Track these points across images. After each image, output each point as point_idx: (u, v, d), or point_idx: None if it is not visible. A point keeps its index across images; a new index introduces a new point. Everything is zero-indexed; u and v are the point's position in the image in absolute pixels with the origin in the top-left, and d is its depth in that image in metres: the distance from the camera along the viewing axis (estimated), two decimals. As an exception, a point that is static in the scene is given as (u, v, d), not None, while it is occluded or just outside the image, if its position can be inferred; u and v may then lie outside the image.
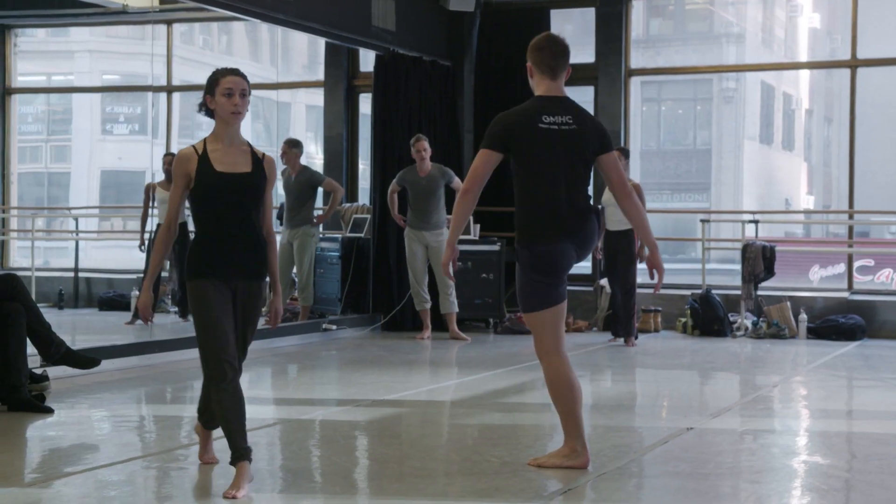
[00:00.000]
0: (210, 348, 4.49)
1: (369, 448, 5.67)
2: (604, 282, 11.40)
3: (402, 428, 6.23)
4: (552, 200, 4.85)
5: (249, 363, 8.43)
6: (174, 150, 13.52)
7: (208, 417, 4.78)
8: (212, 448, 4.98)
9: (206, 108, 4.67)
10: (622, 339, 10.17)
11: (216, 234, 4.58)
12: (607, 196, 9.93)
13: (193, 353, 8.84)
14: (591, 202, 5.04)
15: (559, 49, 5.09)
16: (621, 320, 10.15)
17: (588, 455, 4.93)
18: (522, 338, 10.32)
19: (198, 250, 4.60)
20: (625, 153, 10.14)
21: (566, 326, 11.68)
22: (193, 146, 4.65)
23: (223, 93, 4.59)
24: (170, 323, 11.12)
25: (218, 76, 4.63)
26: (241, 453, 4.46)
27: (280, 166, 11.04)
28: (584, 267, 12.95)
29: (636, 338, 10.23)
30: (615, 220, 9.89)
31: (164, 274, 12.25)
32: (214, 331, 4.48)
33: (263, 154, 4.73)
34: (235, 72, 4.66)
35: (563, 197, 4.86)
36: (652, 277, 5.11)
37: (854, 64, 11.97)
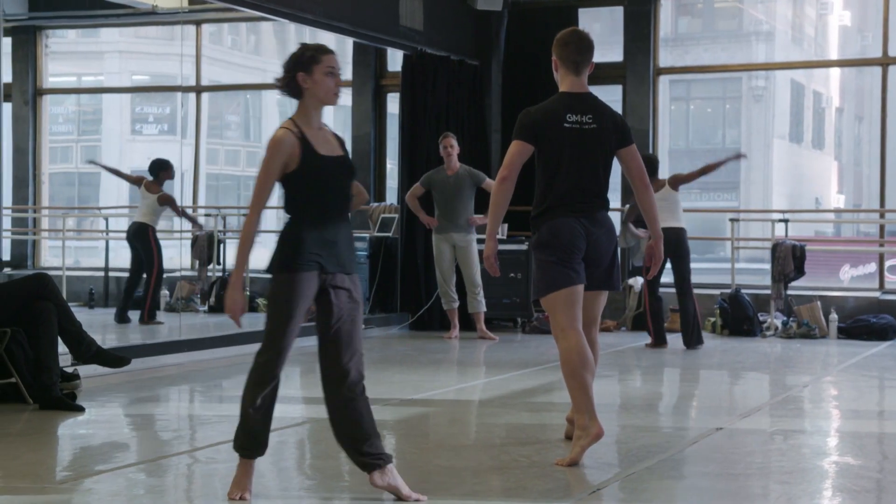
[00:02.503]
0: (281, 348, 4.24)
1: (397, 447, 5.67)
2: (632, 281, 11.35)
3: (430, 427, 6.23)
4: (564, 188, 5.08)
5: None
6: (203, 149, 13.59)
7: (253, 443, 4.34)
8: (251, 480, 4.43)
9: (295, 87, 4.31)
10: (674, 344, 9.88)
11: (319, 222, 4.26)
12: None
13: (222, 353, 8.95)
14: (607, 196, 5.25)
15: (584, 45, 5.23)
16: (689, 325, 9.73)
17: (599, 424, 4.97)
18: (551, 337, 10.21)
19: (298, 240, 4.24)
20: (652, 167, 9.81)
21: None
22: (287, 129, 4.28)
23: (326, 72, 4.27)
24: (199, 322, 11.17)
25: (317, 53, 4.28)
26: (255, 451, 4.35)
27: None
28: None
29: (663, 342, 10.01)
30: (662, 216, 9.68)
31: (193, 273, 12.33)
32: (294, 332, 4.25)
33: (340, 136, 4.49)
34: (332, 50, 4.35)
35: (576, 186, 5.09)
36: (649, 263, 5.41)
37: (885, 62, 11.86)
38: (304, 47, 4.33)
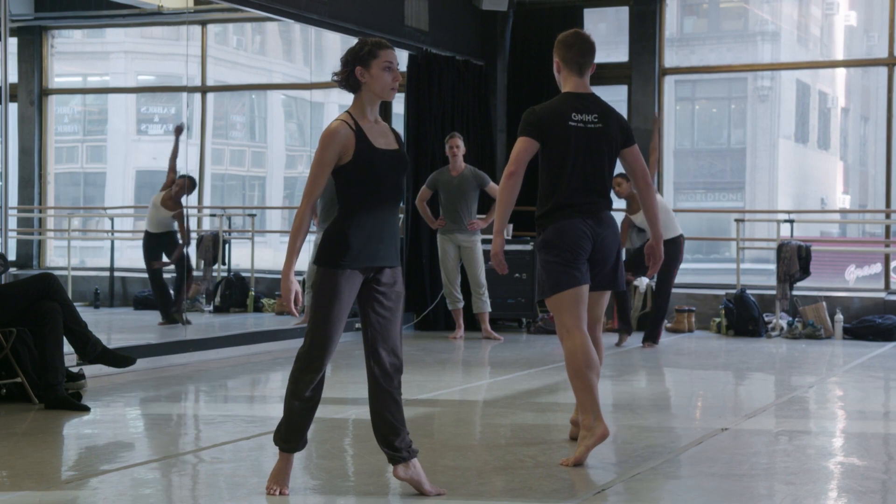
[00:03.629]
0: (325, 340, 4.28)
1: (402, 447, 5.67)
2: (637, 281, 11.34)
3: (435, 427, 6.23)
4: (569, 188, 5.11)
5: (283, 362, 8.49)
6: (209, 149, 13.60)
7: (295, 436, 4.42)
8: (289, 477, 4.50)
9: (353, 81, 4.33)
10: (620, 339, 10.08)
11: (369, 216, 4.30)
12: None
13: (228, 353, 8.95)
14: (611, 196, 5.30)
15: (587, 46, 5.30)
16: (651, 322, 10.04)
17: (604, 424, 5.01)
18: (555, 337, 10.25)
19: (345, 235, 4.28)
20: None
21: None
22: (343, 121, 4.30)
23: (383, 66, 4.30)
24: (204, 322, 11.19)
25: (375, 48, 4.31)
26: (295, 445, 4.43)
27: None
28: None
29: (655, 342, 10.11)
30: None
31: (198, 273, 12.33)
32: (337, 325, 4.28)
33: (397, 131, 4.52)
34: (390, 45, 4.38)
35: (581, 186, 5.12)
36: (648, 263, 5.42)
37: (891, 62, 11.85)
38: (363, 42, 4.36)
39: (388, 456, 4.45)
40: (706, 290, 11.96)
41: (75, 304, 6.94)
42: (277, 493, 4.40)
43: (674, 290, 10.50)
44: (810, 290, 11.48)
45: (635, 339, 10.47)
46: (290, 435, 4.41)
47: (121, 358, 6.87)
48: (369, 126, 4.35)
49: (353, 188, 4.30)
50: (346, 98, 4.44)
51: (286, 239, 4.39)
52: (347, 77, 4.34)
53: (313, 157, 4.33)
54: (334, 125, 4.30)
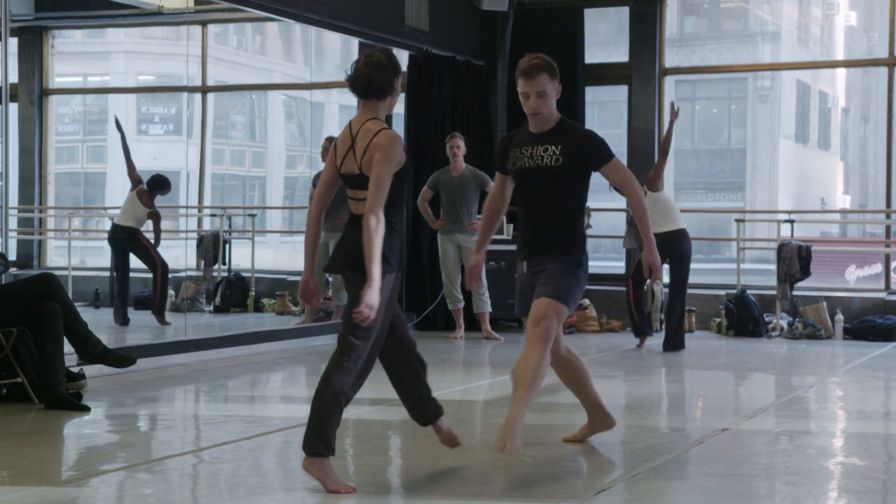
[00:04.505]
0: (379, 341, 4.52)
1: (402, 447, 5.67)
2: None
3: (436, 427, 6.22)
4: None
5: (283, 362, 8.49)
6: (209, 149, 13.61)
7: (333, 436, 4.47)
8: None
9: (389, 89, 4.45)
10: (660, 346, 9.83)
11: (400, 220, 4.52)
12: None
13: (228, 353, 8.95)
14: None
15: None
16: (671, 327, 9.65)
17: (613, 418, 5.49)
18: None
19: (396, 238, 4.45)
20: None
21: (599, 326, 11.45)
22: (390, 129, 4.44)
23: (400, 85, 4.54)
24: (204, 322, 11.18)
25: (400, 66, 4.51)
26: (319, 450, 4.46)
27: (319, 165, 11.09)
28: (617, 267, 12.90)
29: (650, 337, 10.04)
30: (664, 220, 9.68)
31: (199, 273, 12.34)
32: (386, 326, 4.54)
33: None
34: None
35: None
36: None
37: (891, 62, 11.85)
38: (392, 54, 4.47)
39: (432, 416, 4.91)
40: (706, 290, 11.95)
41: (75, 304, 6.93)
42: (353, 489, 4.41)
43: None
44: (810, 290, 11.48)
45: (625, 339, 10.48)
46: (332, 437, 4.43)
47: (121, 358, 6.87)
48: None
49: (398, 194, 4.44)
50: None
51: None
52: (390, 84, 4.43)
53: (378, 166, 4.32)
54: (394, 135, 4.39)
